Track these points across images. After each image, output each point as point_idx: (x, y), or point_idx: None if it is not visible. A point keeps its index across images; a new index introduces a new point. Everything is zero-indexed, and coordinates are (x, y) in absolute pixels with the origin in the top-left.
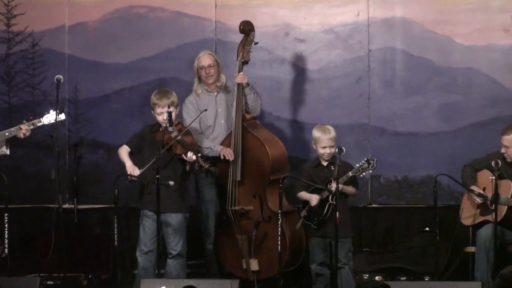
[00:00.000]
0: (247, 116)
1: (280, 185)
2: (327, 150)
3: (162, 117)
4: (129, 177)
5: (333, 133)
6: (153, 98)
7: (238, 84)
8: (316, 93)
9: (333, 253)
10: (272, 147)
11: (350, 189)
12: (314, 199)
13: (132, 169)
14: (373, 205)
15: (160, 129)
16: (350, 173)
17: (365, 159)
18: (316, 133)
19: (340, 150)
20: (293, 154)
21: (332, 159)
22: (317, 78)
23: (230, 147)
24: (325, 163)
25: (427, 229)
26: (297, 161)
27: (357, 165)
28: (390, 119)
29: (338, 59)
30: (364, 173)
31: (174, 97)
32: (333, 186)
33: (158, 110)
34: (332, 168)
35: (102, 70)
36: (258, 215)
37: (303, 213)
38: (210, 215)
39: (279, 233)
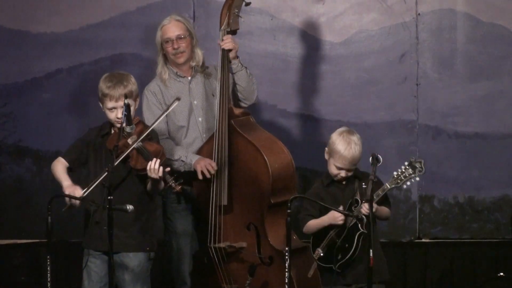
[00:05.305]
0: (236, 111)
1: (289, 211)
2: (343, 174)
3: (115, 114)
4: (68, 201)
5: (358, 151)
6: (102, 86)
7: (223, 51)
8: (340, 76)
9: None
10: (273, 156)
11: (384, 210)
12: (337, 217)
13: (72, 190)
14: (423, 240)
15: (112, 131)
16: (387, 186)
17: (407, 162)
18: (336, 143)
19: (375, 159)
20: (305, 165)
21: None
22: (341, 54)
23: (213, 158)
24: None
25: (502, 274)
26: (311, 175)
27: (395, 173)
28: (448, 115)
29: (373, 27)
30: (407, 184)
31: (132, 84)
32: (363, 208)
33: (110, 104)
34: (364, 185)
35: (28, 43)
36: (254, 256)
37: (318, 253)
38: (184, 254)
39: (286, 281)
